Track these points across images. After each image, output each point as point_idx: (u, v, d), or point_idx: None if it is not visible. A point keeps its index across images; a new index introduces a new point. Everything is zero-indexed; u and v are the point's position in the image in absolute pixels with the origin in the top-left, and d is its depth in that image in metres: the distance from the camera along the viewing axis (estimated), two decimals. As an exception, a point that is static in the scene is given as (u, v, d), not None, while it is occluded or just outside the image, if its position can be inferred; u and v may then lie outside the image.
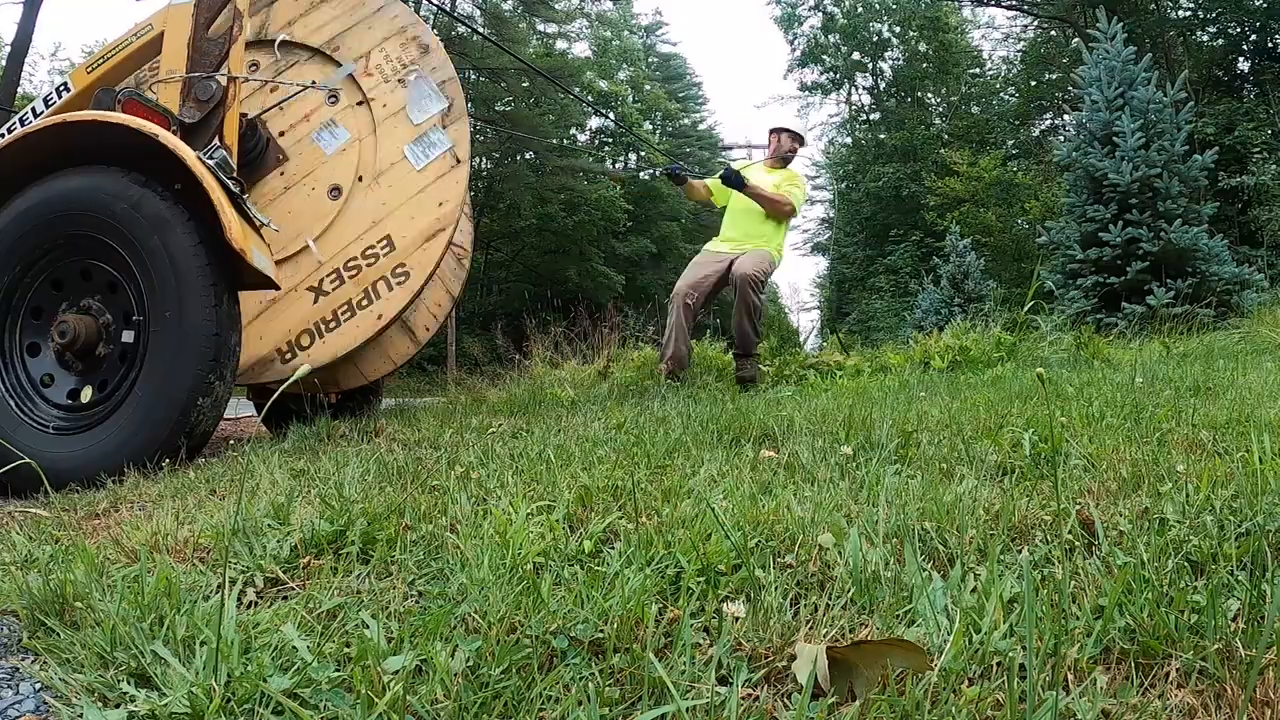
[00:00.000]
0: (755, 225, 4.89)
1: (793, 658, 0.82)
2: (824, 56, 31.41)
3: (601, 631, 0.88)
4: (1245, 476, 1.32)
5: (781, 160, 5.12)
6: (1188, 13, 20.70)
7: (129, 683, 0.83)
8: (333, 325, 3.00)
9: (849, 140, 33.28)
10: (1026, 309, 5.48)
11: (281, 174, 3.14)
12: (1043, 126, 25.80)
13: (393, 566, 1.14)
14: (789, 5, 30.98)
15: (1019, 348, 5.12)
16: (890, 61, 31.04)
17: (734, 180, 4.76)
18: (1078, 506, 1.24)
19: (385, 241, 3.04)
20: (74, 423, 2.39)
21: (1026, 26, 26.98)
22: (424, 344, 3.88)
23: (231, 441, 2.84)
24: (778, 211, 4.87)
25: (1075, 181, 10.40)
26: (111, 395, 2.40)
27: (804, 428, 2.18)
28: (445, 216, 3.07)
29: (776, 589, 0.97)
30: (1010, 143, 26.16)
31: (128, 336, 2.44)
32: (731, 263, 4.77)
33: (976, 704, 0.72)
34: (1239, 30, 19.71)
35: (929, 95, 31.20)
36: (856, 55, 30.97)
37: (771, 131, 5.24)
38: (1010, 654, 0.79)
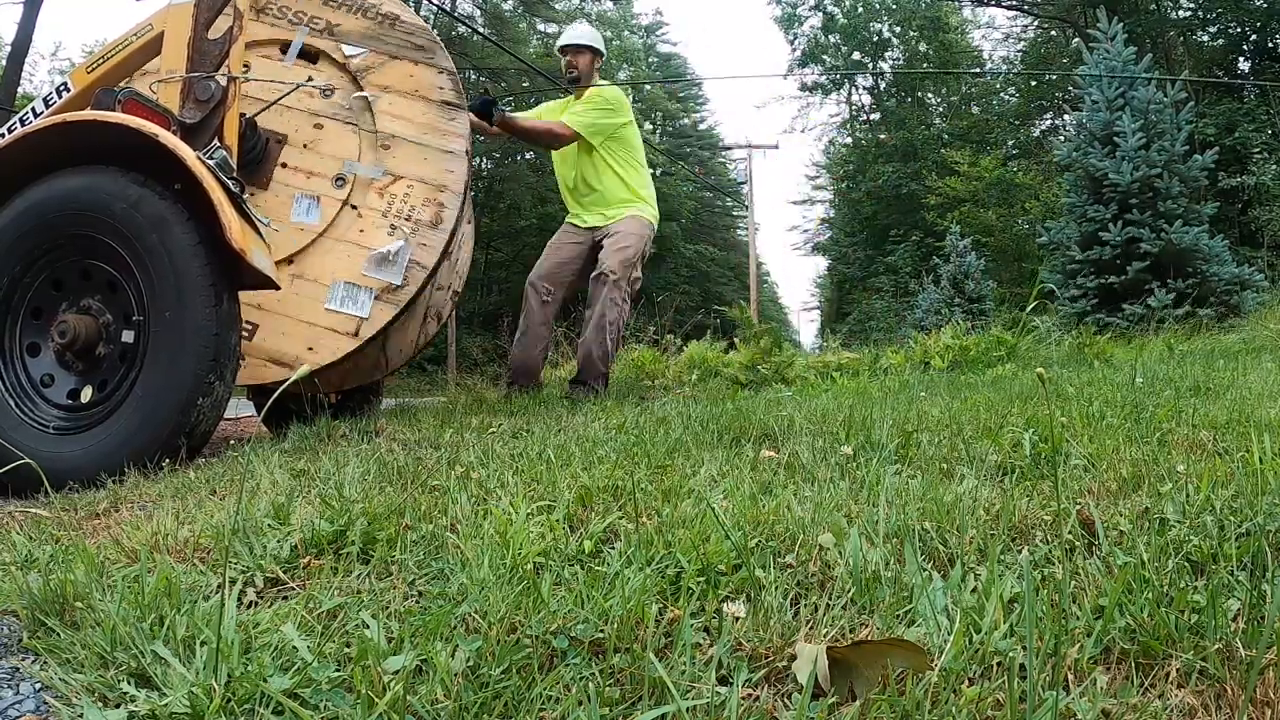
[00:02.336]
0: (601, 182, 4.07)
1: (793, 658, 0.82)
2: (824, 56, 31.44)
3: (602, 631, 0.88)
4: (1245, 476, 1.32)
5: (572, 83, 4.24)
6: (1188, 13, 20.72)
7: (129, 683, 0.83)
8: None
9: (849, 140, 33.33)
10: (1029, 309, 5.48)
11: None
12: (1043, 126, 25.83)
13: (393, 566, 1.14)
14: (789, 5, 31.02)
15: (1019, 348, 5.12)
16: (890, 61, 31.06)
17: (482, 108, 3.67)
18: (1078, 506, 1.24)
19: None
20: (74, 423, 2.39)
21: (1026, 26, 27.03)
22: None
23: (231, 441, 2.84)
24: (551, 143, 4.06)
25: (1075, 181, 10.41)
26: (111, 395, 2.40)
27: (804, 428, 2.17)
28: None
29: (777, 589, 0.97)
30: (1010, 142, 26.18)
31: (128, 336, 2.43)
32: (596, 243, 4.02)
33: (976, 704, 0.72)
34: (1239, 30, 19.73)
35: (929, 95, 31.23)
36: (857, 55, 30.99)
37: (560, 51, 4.28)
38: (1010, 654, 0.79)
